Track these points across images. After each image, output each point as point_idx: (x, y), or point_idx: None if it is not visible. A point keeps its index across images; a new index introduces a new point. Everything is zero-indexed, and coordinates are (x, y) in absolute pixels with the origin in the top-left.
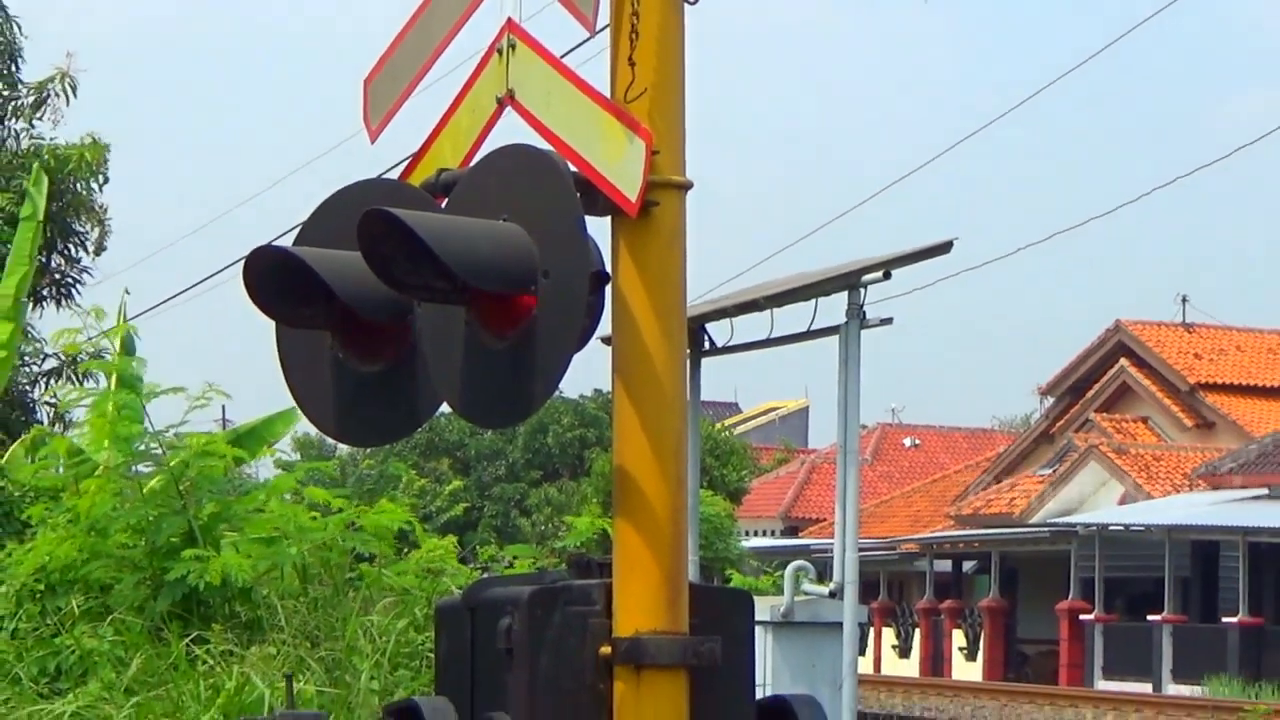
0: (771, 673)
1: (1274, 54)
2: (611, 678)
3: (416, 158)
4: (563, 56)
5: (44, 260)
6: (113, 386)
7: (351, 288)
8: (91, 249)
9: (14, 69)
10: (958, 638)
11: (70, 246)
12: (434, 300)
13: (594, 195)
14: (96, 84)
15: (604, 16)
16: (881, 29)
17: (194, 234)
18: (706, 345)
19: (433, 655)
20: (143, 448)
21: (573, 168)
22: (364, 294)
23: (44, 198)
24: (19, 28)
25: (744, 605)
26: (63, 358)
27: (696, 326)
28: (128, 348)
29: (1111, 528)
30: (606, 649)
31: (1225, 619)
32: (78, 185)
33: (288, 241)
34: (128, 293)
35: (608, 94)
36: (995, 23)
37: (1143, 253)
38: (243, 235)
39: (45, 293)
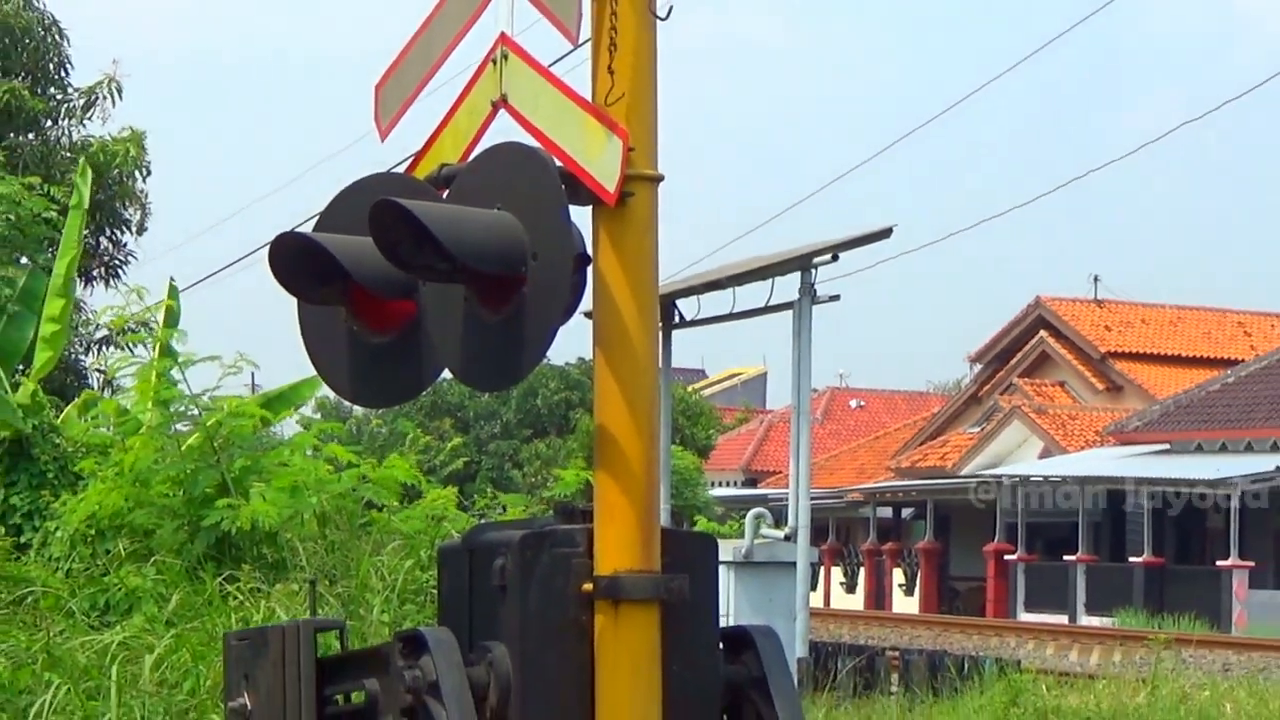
0: (734, 606)
1: (1164, 68)
2: (593, 611)
3: (421, 154)
4: (550, 65)
5: (94, 243)
6: (155, 355)
7: (364, 268)
8: (134, 230)
9: (64, 75)
10: (897, 575)
11: (117, 231)
12: (436, 279)
13: (577, 187)
14: (148, 89)
15: (586, 30)
16: (828, 43)
17: (229, 219)
18: (677, 319)
19: (436, 591)
20: (181, 409)
21: (558, 163)
22: (375, 274)
23: (88, 188)
24: (68, 40)
25: (709, 547)
26: (110, 330)
27: (668, 302)
28: (172, 322)
29: (1032, 478)
30: (588, 586)
31: (1131, 559)
32: (124, 176)
33: (308, 228)
34: (173, 282)
35: (589, 98)
36: (927, 35)
37: (1060, 237)
38: (270, 221)
39: (95, 273)
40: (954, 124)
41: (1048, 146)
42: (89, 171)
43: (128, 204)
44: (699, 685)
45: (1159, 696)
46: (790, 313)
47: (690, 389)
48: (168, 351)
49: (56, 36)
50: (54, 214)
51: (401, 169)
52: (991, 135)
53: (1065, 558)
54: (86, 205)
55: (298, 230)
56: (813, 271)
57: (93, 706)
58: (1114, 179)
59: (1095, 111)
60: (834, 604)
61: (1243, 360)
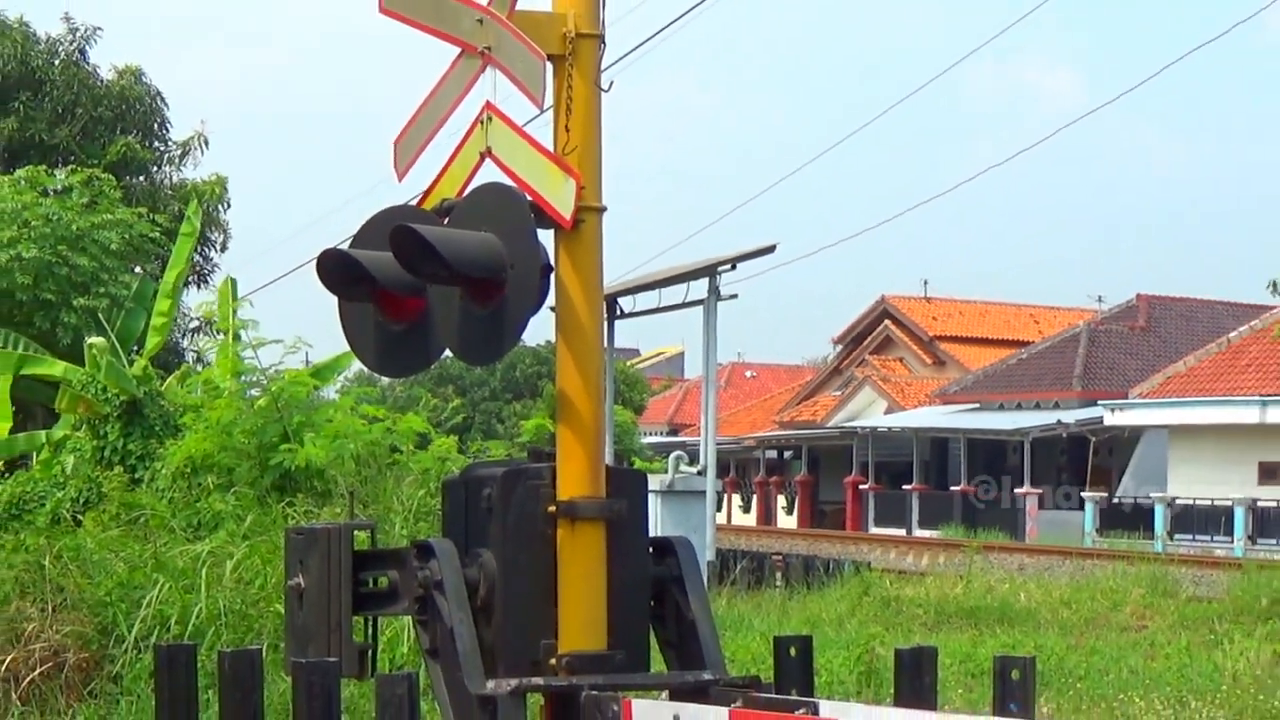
0: (659, 522)
1: (988, 118)
2: (556, 527)
3: (428, 191)
4: (524, 125)
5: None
6: (232, 340)
7: (386, 275)
8: (218, 249)
9: (165, 131)
10: (781, 500)
11: (206, 249)
12: (440, 283)
13: (542, 215)
14: (228, 129)
15: (549, 99)
16: (729, 99)
17: (290, 238)
18: (618, 312)
19: (441, 513)
20: (253, 379)
21: (528, 198)
22: (394, 279)
23: (199, 220)
24: (167, 105)
25: (641, 480)
26: (201, 320)
27: (611, 300)
28: (244, 317)
29: (879, 429)
30: (552, 508)
31: (953, 487)
32: (210, 210)
33: (345, 245)
34: (232, 279)
35: (551, 149)
36: (811, 86)
37: (900, 249)
38: (319, 240)
39: (190, 280)
40: (831, 161)
41: (897, 179)
42: (200, 210)
43: (213, 229)
44: (634, 581)
45: (972, 588)
46: (701, 308)
47: (628, 364)
48: (239, 338)
49: (159, 103)
50: (158, 234)
51: (413, 203)
52: (855, 174)
53: (904, 487)
54: (197, 235)
55: (338, 247)
56: (718, 276)
57: (188, 598)
58: (941, 207)
59: (935, 150)
60: (734, 521)
61: (1033, 342)
